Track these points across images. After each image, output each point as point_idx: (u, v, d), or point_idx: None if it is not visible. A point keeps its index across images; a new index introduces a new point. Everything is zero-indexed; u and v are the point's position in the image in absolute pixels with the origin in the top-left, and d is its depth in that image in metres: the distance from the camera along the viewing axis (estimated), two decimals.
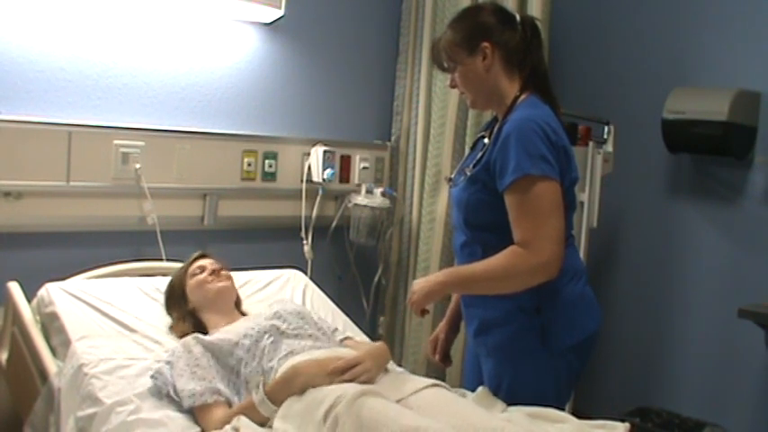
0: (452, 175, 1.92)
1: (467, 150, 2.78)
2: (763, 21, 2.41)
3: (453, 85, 1.85)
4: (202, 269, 2.14)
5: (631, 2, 2.79)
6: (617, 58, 2.81)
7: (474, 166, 1.76)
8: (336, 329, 2.12)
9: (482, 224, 1.76)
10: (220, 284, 2.11)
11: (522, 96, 1.75)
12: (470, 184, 1.75)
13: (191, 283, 2.13)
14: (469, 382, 1.94)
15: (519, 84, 1.77)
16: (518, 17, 1.79)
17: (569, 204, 1.75)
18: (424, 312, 1.82)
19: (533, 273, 1.65)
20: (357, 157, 2.98)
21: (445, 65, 1.82)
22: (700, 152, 2.52)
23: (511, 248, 1.66)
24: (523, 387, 1.76)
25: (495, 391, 1.79)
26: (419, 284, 1.79)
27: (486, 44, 1.74)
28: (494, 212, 1.70)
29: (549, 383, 1.77)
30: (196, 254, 2.21)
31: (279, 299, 2.31)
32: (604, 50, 2.85)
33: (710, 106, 2.35)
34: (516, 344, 1.76)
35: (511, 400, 1.74)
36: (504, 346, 1.78)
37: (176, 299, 2.14)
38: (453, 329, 2.07)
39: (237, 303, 2.20)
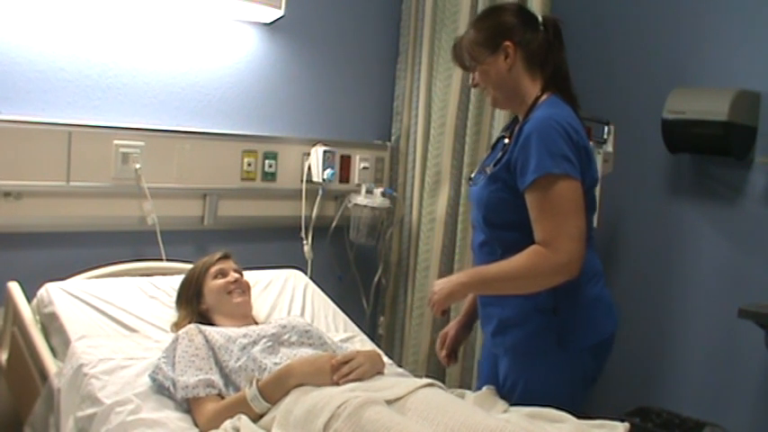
0: (472, 175, 1.93)
1: (467, 150, 2.79)
2: (762, 21, 2.41)
3: (475, 84, 1.86)
4: (224, 274, 2.12)
5: (631, 2, 2.79)
6: (617, 58, 2.81)
7: (494, 165, 1.76)
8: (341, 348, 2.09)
9: (502, 223, 1.76)
10: (241, 299, 2.11)
11: (544, 96, 1.76)
12: (490, 183, 1.76)
13: (210, 284, 2.11)
14: (484, 383, 1.92)
15: (541, 84, 1.78)
16: (540, 18, 1.81)
17: (589, 205, 1.75)
18: (444, 313, 1.82)
19: (555, 272, 1.65)
20: (357, 157, 2.98)
21: (467, 64, 1.83)
22: (700, 152, 2.51)
23: (532, 248, 1.66)
24: (538, 387, 1.76)
25: (511, 391, 1.80)
26: (440, 285, 1.79)
27: (508, 43, 1.75)
28: (513, 211, 1.71)
29: (563, 384, 1.77)
30: (219, 253, 2.19)
31: (294, 316, 2.30)
32: (604, 50, 2.85)
33: (710, 106, 2.35)
34: (532, 343, 1.76)
35: (525, 400, 1.74)
36: (520, 345, 1.78)
37: (190, 296, 2.12)
38: (466, 327, 2.06)
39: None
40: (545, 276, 1.66)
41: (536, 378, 1.77)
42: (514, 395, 1.79)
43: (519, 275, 1.68)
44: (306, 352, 1.92)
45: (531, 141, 1.66)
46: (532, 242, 1.67)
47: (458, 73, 2.81)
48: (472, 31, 1.82)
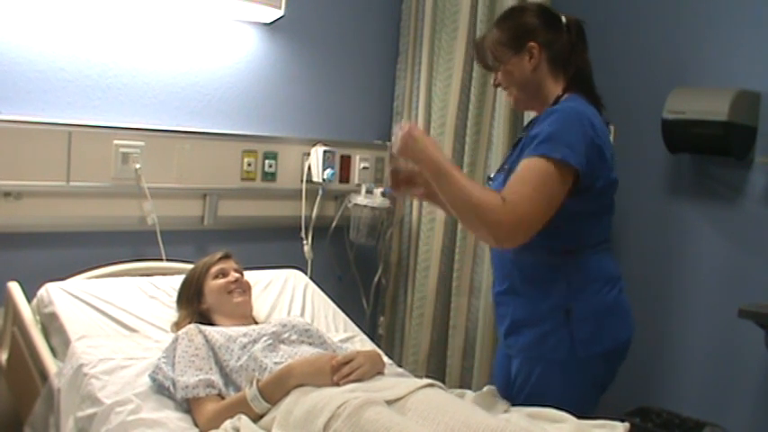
0: (492, 174, 1.92)
1: (467, 150, 2.80)
2: (762, 21, 2.41)
3: (497, 84, 1.85)
4: (225, 274, 2.13)
5: (631, 2, 2.79)
6: (617, 58, 2.81)
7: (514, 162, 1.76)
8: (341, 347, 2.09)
9: None
10: (241, 299, 2.11)
11: (565, 96, 1.76)
12: (508, 178, 1.75)
13: (211, 284, 2.11)
14: (499, 385, 1.91)
15: (563, 84, 1.78)
16: (563, 18, 1.80)
17: (607, 208, 1.74)
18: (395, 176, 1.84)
19: (493, 227, 1.60)
20: (357, 157, 2.98)
21: (490, 64, 1.83)
22: (700, 152, 2.51)
23: (495, 193, 1.63)
24: (547, 389, 1.76)
25: (520, 391, 1.80)
26: (406, 136, 1.70)
27: (532, 44, 1.76)
28: None
29: (573, 388, 1.76)
30: (220, 253, 2.19)
31: (293, 316, 2.30)
32: (604, 50, 2.84)
33: (710, 106, 2.35)
34: (544, 345, 1.76)
35: (535, 401, 1.73)
36: (532, 346, 1.78)
37: (191, 295, 2.13)
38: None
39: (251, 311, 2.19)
40: (482, 222, 1.60)
41: (546, 380, 1.77)
42: (523, 395, 1.79)
43: (466, 200, 1.61)
44: (306, 350, 1.92)
45: (549, 118, 1.66)
46: (546, 242, 1.66)
47: (458, 73, 2.81)
48: (496, 30, 1.81)
